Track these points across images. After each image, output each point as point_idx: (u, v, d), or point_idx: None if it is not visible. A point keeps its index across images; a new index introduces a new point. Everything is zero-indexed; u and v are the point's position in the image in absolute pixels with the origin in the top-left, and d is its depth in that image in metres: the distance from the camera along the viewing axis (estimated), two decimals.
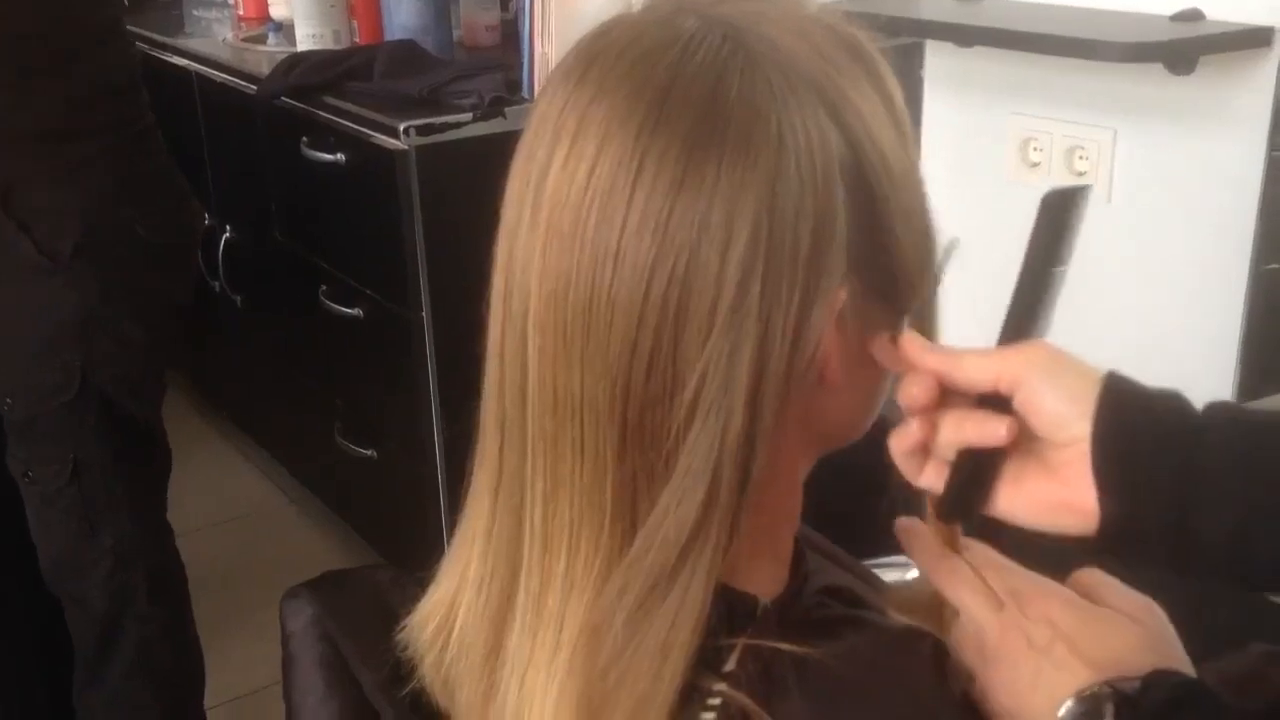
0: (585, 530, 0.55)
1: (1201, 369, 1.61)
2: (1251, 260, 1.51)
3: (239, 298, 2.42)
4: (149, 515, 1.62)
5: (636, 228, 0.52)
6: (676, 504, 0.53)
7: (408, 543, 2.03)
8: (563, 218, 0.54)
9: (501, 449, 0.59)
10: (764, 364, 0.53)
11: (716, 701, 0.54)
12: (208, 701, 1.72)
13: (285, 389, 2.41)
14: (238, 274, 2.40)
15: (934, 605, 0.63)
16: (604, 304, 0.53)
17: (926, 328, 0.60)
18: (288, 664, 0.73)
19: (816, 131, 0.53)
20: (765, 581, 0.60)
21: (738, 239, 0.52)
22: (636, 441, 0.54)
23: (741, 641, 0.56)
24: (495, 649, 0.59)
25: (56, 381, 1.48)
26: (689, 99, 0.52)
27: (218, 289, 2.42)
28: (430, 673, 0.63)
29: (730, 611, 0.56)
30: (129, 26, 2.59)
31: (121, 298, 1.50)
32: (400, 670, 0.65)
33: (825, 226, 0.53)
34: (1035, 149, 1.73)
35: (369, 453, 2.07)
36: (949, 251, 0.60)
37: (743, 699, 0.54)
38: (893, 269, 0.57)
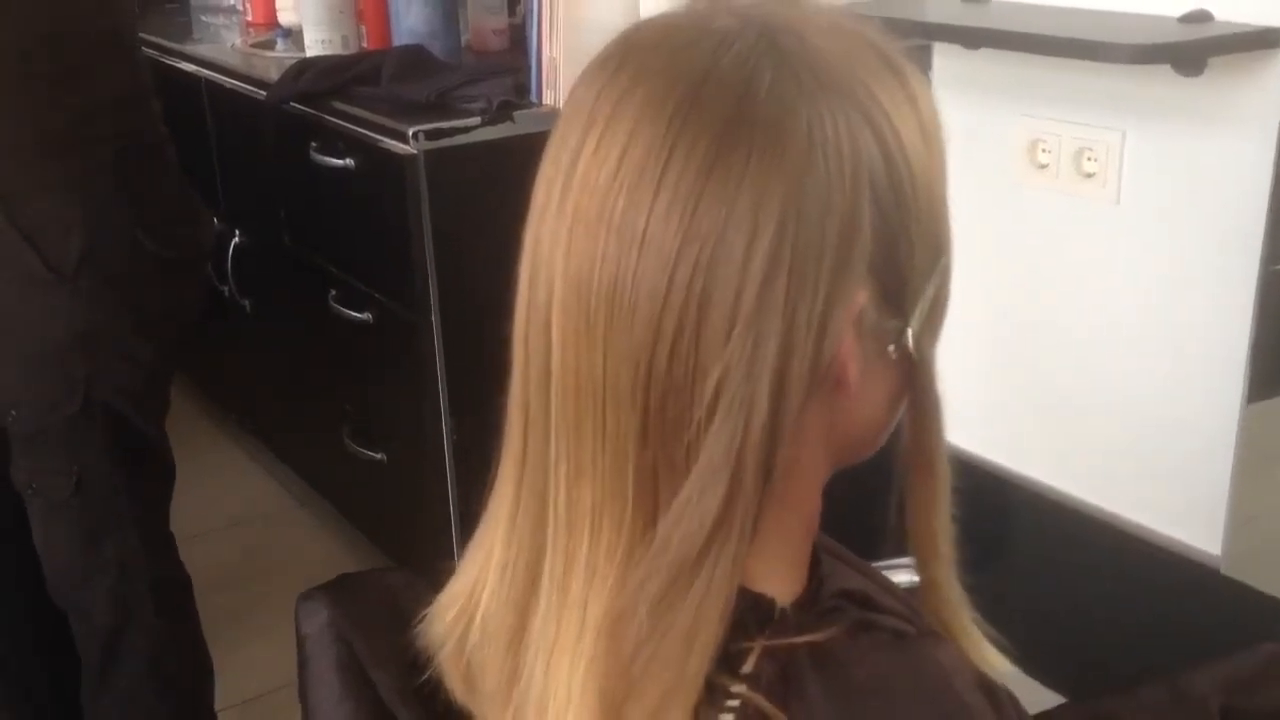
0: (607, 515, 0.56)
1: (1210, 371, 1.61)
2: (1261, 262, 1.50)
3: (248, 302, 2.43)
4: (152, 527, 1.62)
5: (664, 213, 0.52)
6: (699, 495, 0.53)
7: (416, 546, 2.03)
8: (590, 202, 0.54)
9: (526, 433, 0.59)
10: (788, 359, 0.53)
11: (735, 703, 0.54)
12: (218, 705, 1.72)
13: (294, 393, 2.42)
14: (247, 278, 2.40)
15: (953, 611, 0.64)
16: (628, 288, 0.53)
17: (930, 340, 0.60)
18: (303, 667, 0.74)
19: (846, 131, 0.54)
20: (783, 584, 0.60)
21: (764, 231, 0.52)
22: (658, 430, 0.54)
23: (760, 643, 0.56)
24: (520, 633, 0.60)
25: (60, 394, 1.48)
26: (722, 91, 0.53)
27: (227, 293, 2.43)
28: (449, 663, 0.64)
29: (748, 614, 0.56)
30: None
31: (127, 311, 1.50)
32: (416, 669, 0.65)
33: (850, 226, 0.54)
34: (1044, 150, 1.73)
35: (378, 456, 2.07)
36: (943, 268, 0.60)
37: (760, 700, 0.54)
38: (905, 277, 0.57)
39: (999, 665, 0.64)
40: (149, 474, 1.61)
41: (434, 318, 1.79)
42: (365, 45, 2.18)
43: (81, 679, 1.63)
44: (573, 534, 0.57)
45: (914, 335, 0.58)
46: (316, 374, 2.28)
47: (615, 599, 0.55)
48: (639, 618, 0.54)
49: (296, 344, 2.34)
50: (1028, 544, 1.94)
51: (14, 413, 1.50)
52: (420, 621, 0.65)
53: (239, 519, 2.53)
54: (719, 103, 0.53)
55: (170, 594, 1.65)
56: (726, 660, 0.55)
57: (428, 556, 1.98)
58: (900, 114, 0.56)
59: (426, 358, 1.82)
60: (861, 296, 0.55)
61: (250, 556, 2.39)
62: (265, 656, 1.95)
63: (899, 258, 0.57)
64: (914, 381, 0.60)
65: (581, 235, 0.54)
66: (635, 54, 0.56)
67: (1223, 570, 1.63)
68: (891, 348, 0.58)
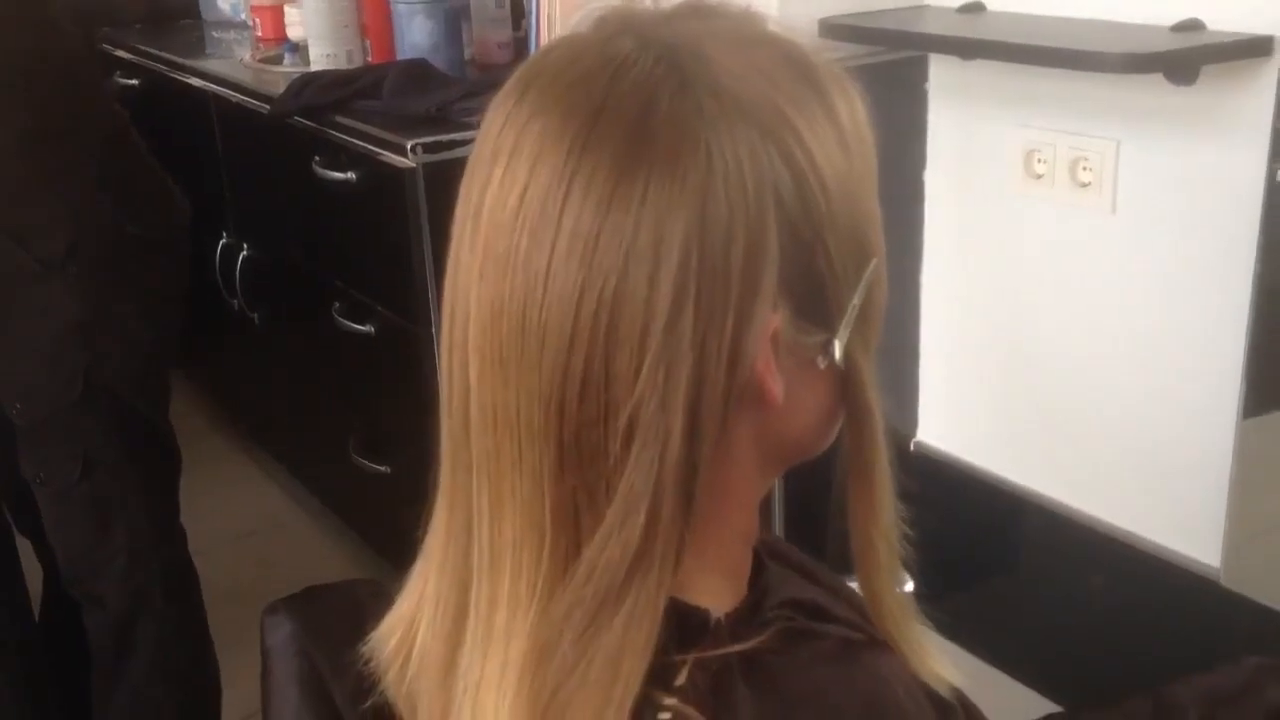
0: (526, 547, 0.56)
1: (1204, 383, 1.60)
2: (1255, 272, 1.50)
3: (256, 315, 2.45)
4: (161, 514, 1.65)
5: (565, 251, 0.52)
6: (619, 526, 0.53)
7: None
8: (497, 239, 0.54)
9: (453, 468, 0.60)
10: (700, 387, 0.53)
11: (666, 716, 0.54)
12: (227, 717, 1.73)
13: (301, 405, 2.44)
14: (255, 291, 2.42)
15: (895, 621, 0.64)
16: (535, 326, 0.53)
17: (862, 348, 0.60)
18: (265, 678, 0.75)
19: (748, 153, 0.53)
20: (719, 595, 0.60)
21: (666, 262, 0.52)
22: (574, 461, 0.54)
23: (692, 656, 0.56)
24: (451, 667, 0.60)
25: (62, 383, 1.52)
26: (618, 120, 0.52)
27: (236, 306, 2.45)
28: (393, 688, 0.64)
29: (682, 626, 0.56)
30: (148, 48, 2.62)
31: (119, 295, 1.54)
32: (365, 684, 0.66)
33: (757, 250, 0.53)
34: (1039, 161, 1.73)
35: (383, 468, 2.08)
36: (871, 276, 0.59)
37: (691, 712, 0.54)
38: (825, 291, 0.57)
39: (949, 676, 0.63)
40: (153, 457, 1.64)
41: (434, 329, 1.80)
42: (370, 59, 2.20)
43: (93, 679, 1.66)
44: (495, 567, 0.57)
45: (841, 346, 0.58)
46: (324, 387, 2.29)
47: (538, 631, 0.55)
48: (563, 648, 0.54)
49: (304, 357, 2.36)
50: (1025, 555, 1.93)
51: (18, 406, 1.54)
52: (369, 639, 0.65)
53: (250, 531, 2.55)
54: (615, 133, 0.52)
55: (180, 583, 1.68)
56: (660, 674, 0.55)
57: None
58: (814, 127, 0.55)
59: (427, 370, 1.83)
60: (776, 317, 0.55)
61: (260, 569, 2.41)
62: None
63: (817, 273, 0.56)
64: (847, 391, 0.60)
65: (491, 273, 0.54)
66: (537, 83, 0.56)
67: (1222, 582, 1.62)
68: (820, 359, 0.58)
